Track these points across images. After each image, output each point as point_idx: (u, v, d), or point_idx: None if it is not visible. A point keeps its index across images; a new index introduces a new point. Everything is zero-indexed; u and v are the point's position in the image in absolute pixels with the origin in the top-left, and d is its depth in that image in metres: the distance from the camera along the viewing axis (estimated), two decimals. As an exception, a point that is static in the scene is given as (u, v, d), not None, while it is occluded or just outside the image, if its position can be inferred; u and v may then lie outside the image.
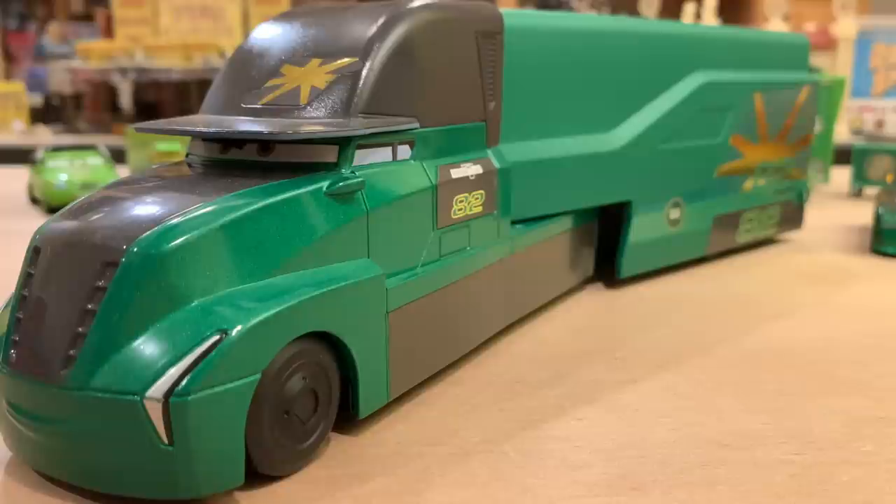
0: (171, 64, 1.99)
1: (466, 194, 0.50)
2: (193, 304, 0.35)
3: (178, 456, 0.33)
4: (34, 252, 0.38)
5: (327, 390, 0.39)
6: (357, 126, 0.42)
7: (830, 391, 0.48)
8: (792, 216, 0.90)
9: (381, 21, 0.46)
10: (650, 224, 0.72)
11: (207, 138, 0.44)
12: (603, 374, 0.51)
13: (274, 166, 0.42)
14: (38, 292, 0.36)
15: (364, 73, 0.44)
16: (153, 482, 0.34)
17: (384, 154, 0.44)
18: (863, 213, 1.07)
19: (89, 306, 0.34)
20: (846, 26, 1.87)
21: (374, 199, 0.42)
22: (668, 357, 0.54)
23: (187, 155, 0.47)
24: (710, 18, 1.91)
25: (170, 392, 0.32)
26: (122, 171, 1.24)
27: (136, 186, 0.41)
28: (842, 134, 1.74)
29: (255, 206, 0.37)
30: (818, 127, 1.23)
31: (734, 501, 0.36)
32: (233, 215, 0.37)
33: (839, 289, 0.72)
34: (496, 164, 0.53)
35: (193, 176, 0.42)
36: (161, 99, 2.14)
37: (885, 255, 0.85)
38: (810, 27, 2.02)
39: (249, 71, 0.47)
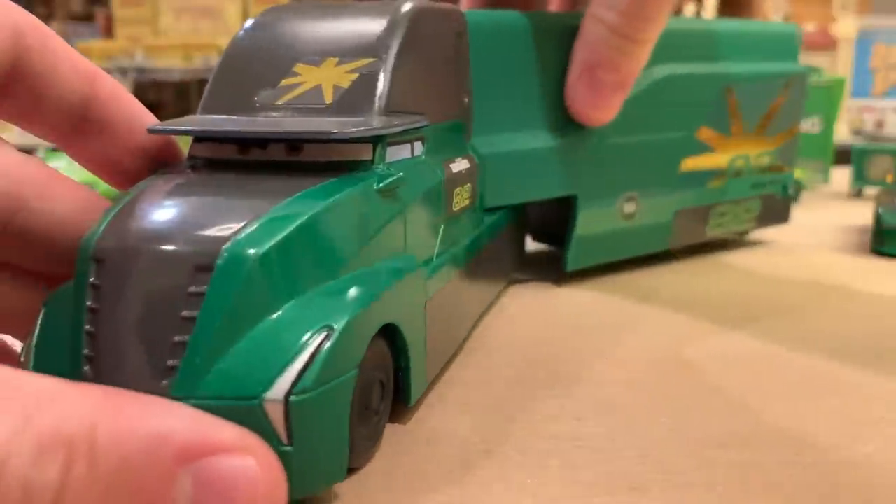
0: (171, 64, 1.99)
1: (461, 188, 0.52)
2: (290, 303, 0.35)
3: (296, 455, 0.33)
4: (95, 262, 0.35)
5: (388, 381, 0.41)
6: (394, 124, 0.43)
7: (830, 391, 0.48)
8: (775, 210, 0.88)
9: (389, 20, 0.47)
10: (600, 218, 0.71)
11: (247, 140, 0.43)
12: (603, 375, 0.51)
13: (304, 166, 0.42)
14: (113, 304, 0.34)
15: (385, 72, 0.45)
16: None
17: (405, 151, 0.46)
18: (863, 213, 1.07)
19: (185, 313, 0.33)
20: (846, 26, 1.87)
21: (408, 194, 0.44)
22: (669, 356, 0.54)
23: (188, 157, 0.45)
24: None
25: (289, 392, 0.32)
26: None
27: (178, 190, 0.39)
28: (842, 134, 1.74)
29: (325, 206, 0.37)
30: (818, 127, 1.23)
31: (734, 501, 0.36)
32: (309, 215, 0.36)
33: (839, 289, 0.72)
34: (477, 159, 0.56)
35: (232, 177, 0.41)
36: (161, 99, 2.14)
37: (885, 255, 0.85)
38: (810, 27, 2.03)
39: (252, 70, 0.47)
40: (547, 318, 0.63)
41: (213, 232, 0.35)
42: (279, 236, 0.35)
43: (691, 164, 0.77)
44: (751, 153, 0.82)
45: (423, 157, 0.48)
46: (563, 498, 0.36)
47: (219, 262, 0.33)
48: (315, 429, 0.33)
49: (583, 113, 0.66)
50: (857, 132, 1.89)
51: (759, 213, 0.86)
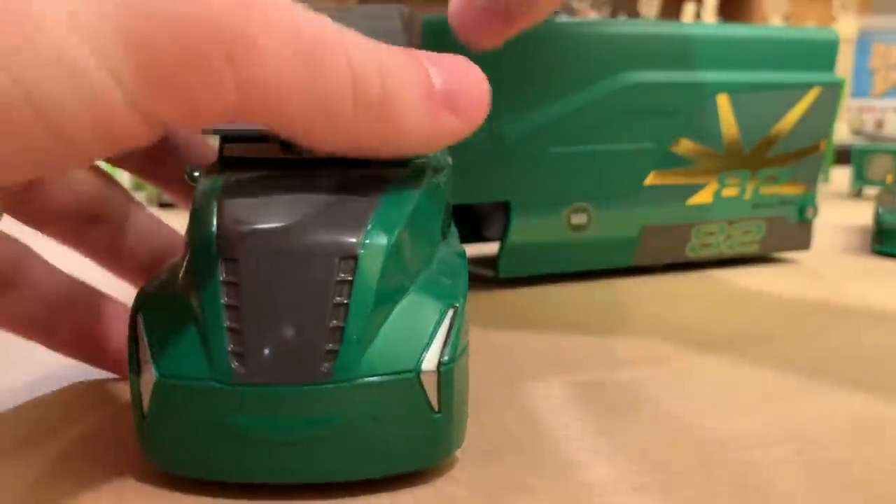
0: (171, 64, 1.99)
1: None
2: (416, 285, 0.38)
3: (443, 422, 0.36)
4: (225, 261, 0.36)
5: None
6: None
7: (830, 391, 0.48)
8: (789, 234, 0.82)
9: (405, 21, 0.49)
10: (540, 227, 0.70)
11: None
12: (603, 374, 0.51)
13: (350, 161, 0.43)
14: (259, 300, 0.35)
15: None
16: (419, 452, 0.36)
17: None
18: (863, 213, 1.07)
19: (338, 299, 0.35)
20: (846, 26, 1.87)
21: (446, 184, 0.46)
22: (669, 356, 0.54)
23: (221, 158, 0.45)
24: (710, 18, 1.92)
25: (439, 363, 0.35)
26: (123, 172, 1.24)
27: (268, 190, 0.40)
28: (842, 134, 1.74)
29: (420, 198, 0.40)
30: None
31: (734, 501, 0.36)
32: (412, 207, 0.39)
33: (839, 289, 0.72)
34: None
35: (302, 175, 0.42)
36: (161, 99, 2.14)
37: (885, 255, 0.85)
38: (810, 27, 2.03)
39: None
40: (545, 317, 0.63)
41: (346, 225, 0.37)
42: (400, 227, 0.38)
43: (662, 177, 0.74)
44: (751, 169, 0.77)
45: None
46: (563, 498, 0.36)
47: (361, 251, 0.36)
48: (455, 396, 0.36)
49: (465, 34, 0.55)
50: (856, 132, 1.89)
51: (763, 237, 0.80)
